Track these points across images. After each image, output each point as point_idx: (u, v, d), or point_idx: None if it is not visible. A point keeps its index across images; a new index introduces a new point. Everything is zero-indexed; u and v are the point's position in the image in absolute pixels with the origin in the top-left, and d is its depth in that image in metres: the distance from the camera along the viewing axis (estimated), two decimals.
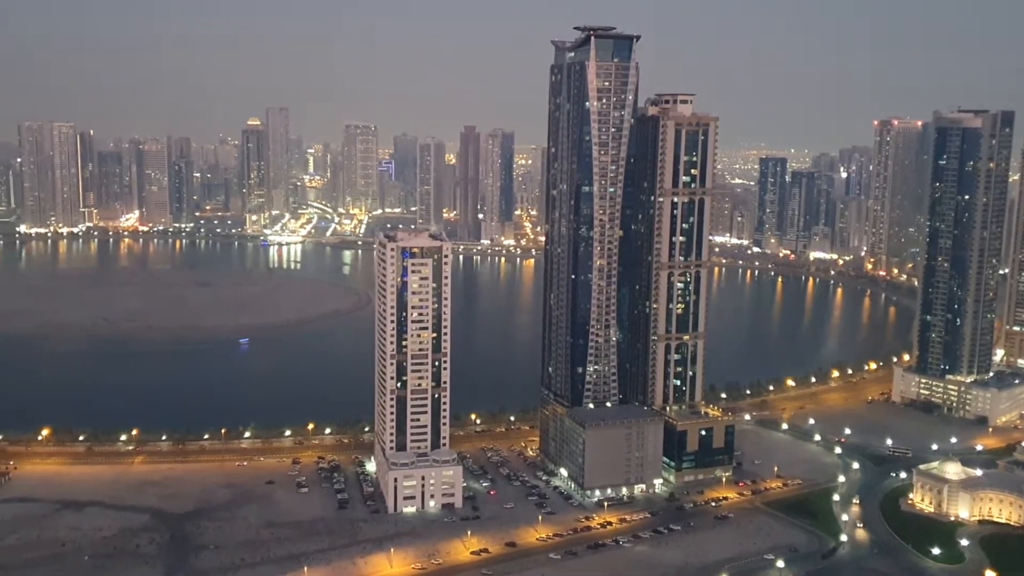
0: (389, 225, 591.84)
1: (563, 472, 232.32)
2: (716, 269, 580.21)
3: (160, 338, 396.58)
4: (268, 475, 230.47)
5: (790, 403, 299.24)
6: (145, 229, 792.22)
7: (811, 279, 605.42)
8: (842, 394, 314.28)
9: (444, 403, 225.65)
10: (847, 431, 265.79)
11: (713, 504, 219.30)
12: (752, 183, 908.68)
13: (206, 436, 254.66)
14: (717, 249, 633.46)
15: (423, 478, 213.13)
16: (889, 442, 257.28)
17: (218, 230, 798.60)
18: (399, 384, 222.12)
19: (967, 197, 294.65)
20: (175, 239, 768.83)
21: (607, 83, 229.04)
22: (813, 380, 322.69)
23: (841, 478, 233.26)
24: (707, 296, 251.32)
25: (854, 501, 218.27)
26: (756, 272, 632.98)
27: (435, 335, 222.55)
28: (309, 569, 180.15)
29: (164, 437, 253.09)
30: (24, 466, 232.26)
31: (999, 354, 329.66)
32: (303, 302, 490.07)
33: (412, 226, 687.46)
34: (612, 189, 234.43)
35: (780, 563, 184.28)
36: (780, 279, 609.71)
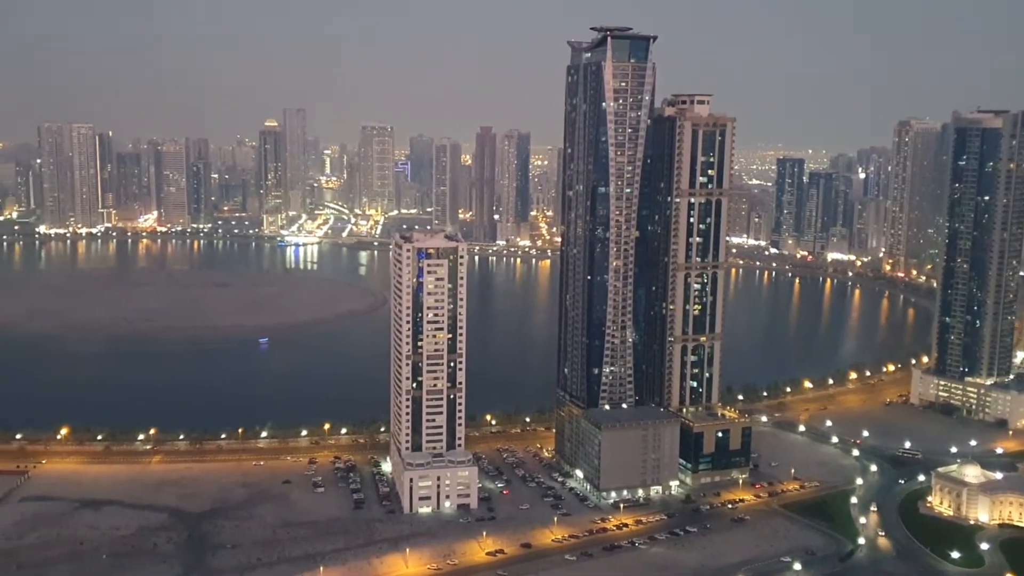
0: (405, 226, 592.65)
1: (579, 473, 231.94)
2: (733, 270, 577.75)
3: (178, 338, 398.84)
4: (285, 475, 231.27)
5: (807, 405, 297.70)
6: (163, 230, 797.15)
7: (829, 280, 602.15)
8: (860, 396, 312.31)
9: (459, 404, 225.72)
10: (865, 433, 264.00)
11: (730, 506, 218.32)
12: (769, 184, 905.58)
13: (223, 435, 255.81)
14: (734, 250, 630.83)
15: (438, 479, 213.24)
16: (907, 444, 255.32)
17: (236, 231, 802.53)
18: (415, 384, 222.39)
19: (987, 198, 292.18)
20: (193, 240, 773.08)
21: (624, 84, 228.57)
22: (831, 382, 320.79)
23: (859, 480, 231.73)
24: (724, 297, 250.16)
25: (872, 506, 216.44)
26: (773, 273, 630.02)
27: (450, 336, 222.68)
28: (325, 569, 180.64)
29: (182, 436, 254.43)
30: (43, 465, 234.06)
31: (1019, 356, 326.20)
32: (320, 302, 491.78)
33: (428, 227, 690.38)
34: (628, 190, 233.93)
35: (797, 566, 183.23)
36: (797, 280, 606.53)
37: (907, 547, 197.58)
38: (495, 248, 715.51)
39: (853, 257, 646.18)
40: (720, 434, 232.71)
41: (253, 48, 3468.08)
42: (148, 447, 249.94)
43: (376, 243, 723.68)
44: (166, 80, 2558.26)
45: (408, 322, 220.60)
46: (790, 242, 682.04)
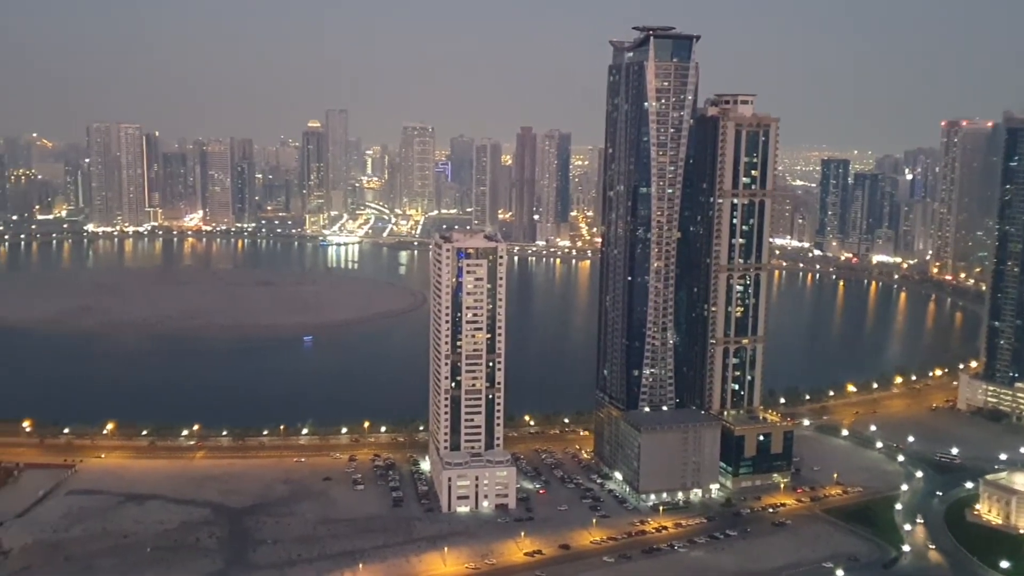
0: (445, 226, 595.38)
1: (618, 475, 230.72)
2: (776, 272, 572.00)
3: (222, 335, 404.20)
4: (325, 472, 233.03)
5: (851, 409, 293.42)
6: (208, 229, 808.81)
7: (874, 283, 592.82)
8: (905, 401, 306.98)
9: (498, 404, 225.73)
10: (910, 439, 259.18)
11: (771, 510, 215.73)
12: (814, 185, 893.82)
13: (265, 432, 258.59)
14: (777, 252, 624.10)
15: (477, 478, 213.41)
16: (955, 451, 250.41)
17: (279, 230, 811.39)
18: (453, 384, 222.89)
19: None
20: (237, 239, 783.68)
21: (666, 83, 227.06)
22: (875, 386, 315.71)
23: (904, 486, 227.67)
24: (767, 299, 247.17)
25: (917, 513, 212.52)
26: (817, 275, 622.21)
27: (489, 336, 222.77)
28: (364, 566, 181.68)
29: (225, 433, 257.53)
30: (89, 459, 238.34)
31: None
32: (360, 302, 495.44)
33: (468, 227, 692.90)
34: (670, 190, 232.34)
35: (840, 572, 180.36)
36: (842, 283, 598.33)
37: (954, 555, 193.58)
38: (535, 248, 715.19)
39: (899, 259, 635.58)
40: (761, 437, 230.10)
41: (298, 49, 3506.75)
42: (192, 443, 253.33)
43: (416, 243, 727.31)
44: (212, 80, 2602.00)
45: (447, 322, 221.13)
46: (834, 244, 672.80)
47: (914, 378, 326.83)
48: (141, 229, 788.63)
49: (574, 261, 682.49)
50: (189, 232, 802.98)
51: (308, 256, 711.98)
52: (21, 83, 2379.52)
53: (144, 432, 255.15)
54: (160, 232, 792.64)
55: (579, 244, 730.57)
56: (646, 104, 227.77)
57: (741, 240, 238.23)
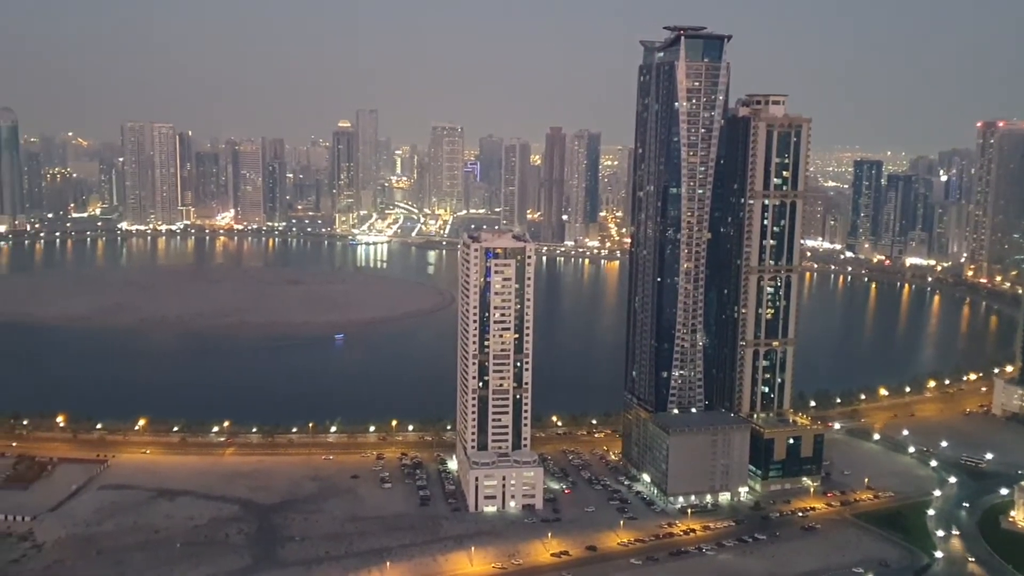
0: (473, 226, 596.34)
1: (646, 477, 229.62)
2: (807, 274, 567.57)
3: (253, 333, 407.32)
4: (353, 469, 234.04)
5: (883, 413, 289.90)
6: (240, 227, 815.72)
7: (907, 286, 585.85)
8: (938, 405, 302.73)
9: (525, 404, 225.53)
10: (943, 444, 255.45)
11: (800, 514, 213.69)
12: (846, 186, 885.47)
13: (294, 429, 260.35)
14: (808, 253, 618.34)
15: (504, 478, 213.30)
16: (990, 456, 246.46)
17: (309, 229, 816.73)
18: (481, 384, 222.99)
19: None
20: (268, 237, 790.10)
21: (697, 83, 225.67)
22: (907, 390, 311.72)
23: (936, 492, 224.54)
24: (797, 301, 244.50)
25: (950, 519, 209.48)
26: (849, 277, 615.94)
27: (517, 336, 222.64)
28: (391, 564, 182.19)
29: (254, 429, 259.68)
30: (122, 454, 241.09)
31: None
32: (388, 301, 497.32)
33: (496, 227, 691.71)
34: (701, 191, 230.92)
35: None
36: (874, 285, 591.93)
37: (987, 562, 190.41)
38: (563, 249, 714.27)
39: (933, 262, 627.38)
40: (791, 441, 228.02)
41: (329, 50, 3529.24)
42: (222, 439, 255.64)
43: (444, 242, 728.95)
44: (244, 81, 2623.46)
45: (475, 321, 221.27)
46: (866, 246, 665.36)
47: (948, 382, 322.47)
48: (174, 227, 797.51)
49: (603, 262, 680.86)
50: (221, 231, 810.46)
51: (337, 255, 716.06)
52: (57, 83, 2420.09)
53: (175, 428, 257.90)
54: (192, 230, 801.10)
55: (608, 244, 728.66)
56: (677, 104, 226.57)
57: (772, 241, 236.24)
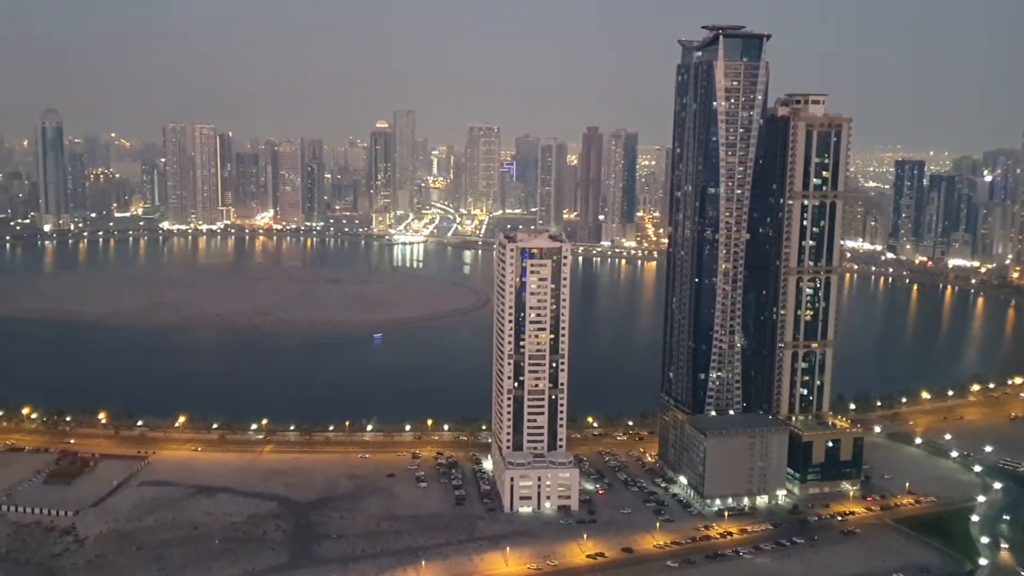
0: (509, 226, 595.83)
1: (682, 480, 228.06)
2: (847, 275, 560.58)
3: (291, 332, 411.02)
4: (389, 468, 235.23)
5: (924, 417, 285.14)
6: (279, 227, 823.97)
7: (949, 287, 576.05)
8: (982, 409, 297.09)
9: (561, 405, 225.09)
10: (987, 448, 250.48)
11: (839, 518, 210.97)
12: (887, 186, 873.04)
13: (331, 428, 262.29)
14: (848, 254, 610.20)
15: (539, 479, 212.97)
16: None
17: (346, 229, 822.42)
18: (516, 384, 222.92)
19: None
20: (306, 237, 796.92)
21: (735, 83, 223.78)
22: (950, 394, 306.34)
23: (980, 497, 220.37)
24: (837, 303, 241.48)
25: (994, 525, 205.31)
26: (890, 279, 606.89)
27: (553, 336, 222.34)
28: (426, 563, 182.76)
29: (292, 427, 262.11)
30: (162, 451, 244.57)
31: None
32: (425, 300, 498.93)
33: (532, 227, 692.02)
34: (739, 191, 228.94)
35: None
36: (915, 287, 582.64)
37: None
38: (599, 249, 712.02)
39: (977, 264, 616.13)
40: (830, 444, 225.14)
41: (367, 51, 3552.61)
42: (260, 437, 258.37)
43: (480, 242, 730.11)
44: (284, 82, 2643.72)
45: (511, 321, 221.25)
46: (908, 247, 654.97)
47: (992, 386, 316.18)
48: (214, 227, 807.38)
49: (640, 262, 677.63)
50: (260, 230, 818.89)
51: (374, 255, 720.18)
52: (100, 85, 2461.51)
53: (214, 426, 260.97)
54: (232, 230, 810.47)
55: (645, 245, 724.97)
56: (715, 104, 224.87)
57: (811, 242, 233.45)
